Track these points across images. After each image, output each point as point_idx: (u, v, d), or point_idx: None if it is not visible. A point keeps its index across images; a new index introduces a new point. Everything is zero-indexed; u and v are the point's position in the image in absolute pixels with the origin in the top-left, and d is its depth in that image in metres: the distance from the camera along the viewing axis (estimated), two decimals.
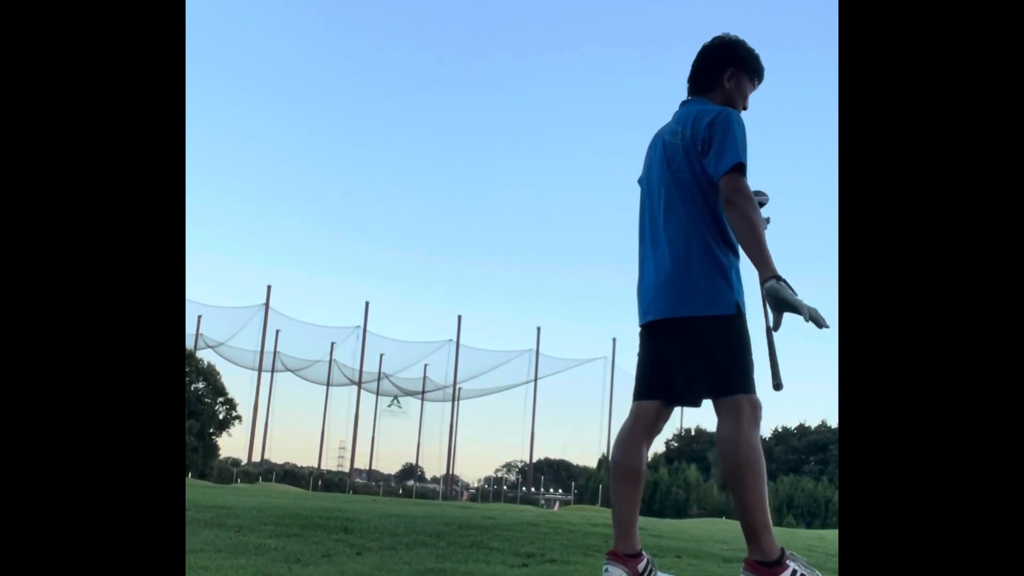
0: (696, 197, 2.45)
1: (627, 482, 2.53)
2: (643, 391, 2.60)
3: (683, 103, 2.70)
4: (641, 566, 2.44)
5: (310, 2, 65.91)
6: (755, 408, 2.34)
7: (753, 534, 2.28)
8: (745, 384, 2.34)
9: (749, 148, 2.41)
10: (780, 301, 2.24)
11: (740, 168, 2.34)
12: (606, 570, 2.43)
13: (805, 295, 2.33)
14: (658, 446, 49.53)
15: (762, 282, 2.28)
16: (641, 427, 2.56)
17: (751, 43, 2.70)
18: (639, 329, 2.63)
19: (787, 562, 2.26)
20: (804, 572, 2.25)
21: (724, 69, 2.66)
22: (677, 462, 43.47)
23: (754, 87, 2.73)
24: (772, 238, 2.57)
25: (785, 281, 2.26)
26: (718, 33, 2.70)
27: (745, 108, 2.70)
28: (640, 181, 2.75)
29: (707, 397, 2.39)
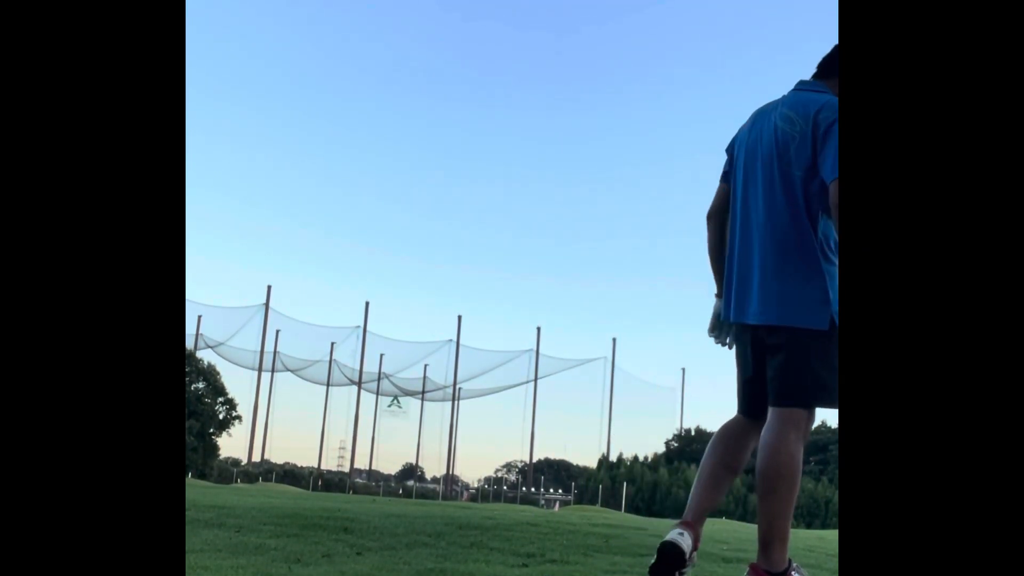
0: (802, 196, 2.29)
1: (726, 475, 2.46)
2: (749, 408, 2.48)
3: (800, 84, 2.51)
4: (694, 554, 2.35)
5: (312, 3, 65.91)
6: (809, 423, 2.29)
7: (768, 543, 2.22)
8: (812, 399, 2.28)
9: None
10: None
11: None
12: (681, 533, 2.30)
13: None
14: (658, 446, 49.56)
15: None
16: (754, 437, 2.46)
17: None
18: (733, 327, 2.51)
19: (792, 574, 2.22)
20: None
21: None
22: (677, 462, 43.43)
23: None
24: None
25: None
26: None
27: None
28: (729, 150, 2.59)
29: (774, 403, 2.31)
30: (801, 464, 2.27)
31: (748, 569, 2.27)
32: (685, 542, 2.27)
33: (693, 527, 2.34)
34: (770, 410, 2.30)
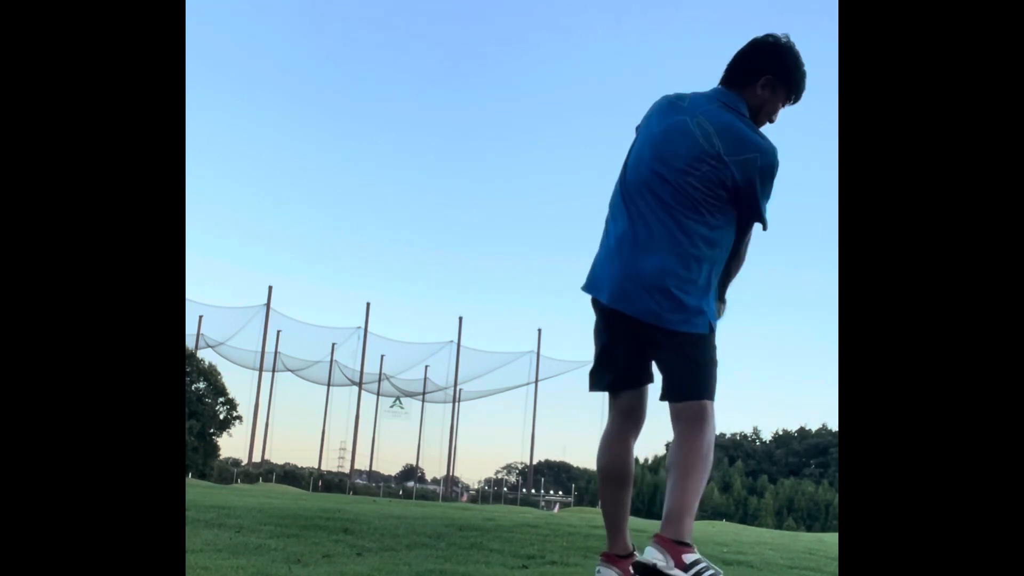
0: (699, 211, 2.38)
1: (614, 483, 2.52)
2: (621, 380, 2.53)
3: (720, 95, 2.51)
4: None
5: None
6: (713, 414, 2.45)
7: (679, 515, 2.27)
8: (712, 392, 2.45)
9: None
10: None
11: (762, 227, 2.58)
12: (598, 571, 2.44)
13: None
14: (658, 448, 49.54)
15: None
16: (630, 426, 2.54)
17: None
18: (598, 303, 2.52)
19: (694, 548, 2.27)
20: (708, 564, 2.22)
21: (761, 74, 2.50)
22: None
23: (787, 102, 2.58)
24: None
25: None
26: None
27: (771, 121, 2.58)
28: (638, 129, 2.59)
29: (685, 399, 2.42)
30: (713, 449, 2.47)
31: (654, 539, 2.26)
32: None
33: (611, 558, 2.46)
34: (683, 406, 2.41)
